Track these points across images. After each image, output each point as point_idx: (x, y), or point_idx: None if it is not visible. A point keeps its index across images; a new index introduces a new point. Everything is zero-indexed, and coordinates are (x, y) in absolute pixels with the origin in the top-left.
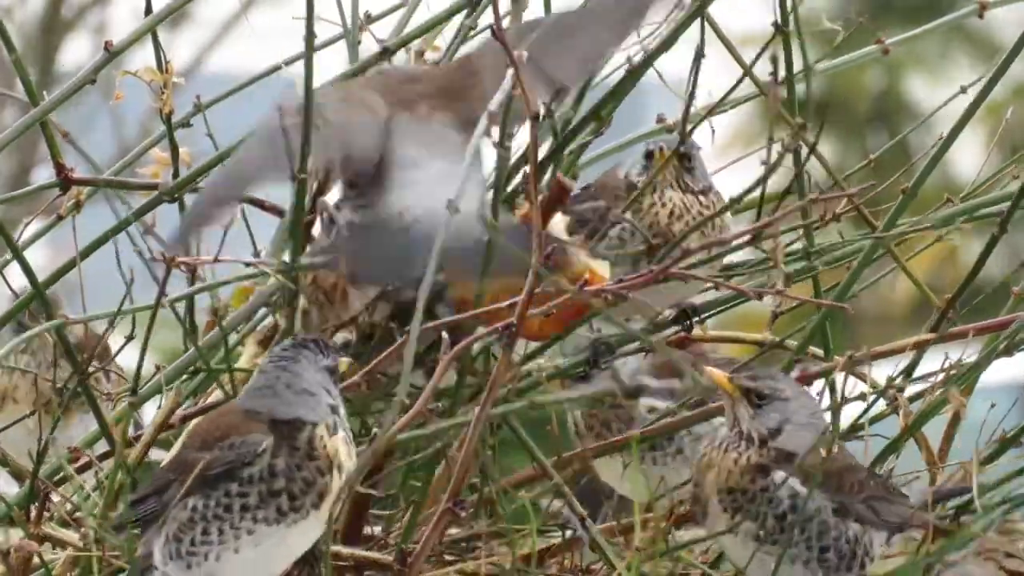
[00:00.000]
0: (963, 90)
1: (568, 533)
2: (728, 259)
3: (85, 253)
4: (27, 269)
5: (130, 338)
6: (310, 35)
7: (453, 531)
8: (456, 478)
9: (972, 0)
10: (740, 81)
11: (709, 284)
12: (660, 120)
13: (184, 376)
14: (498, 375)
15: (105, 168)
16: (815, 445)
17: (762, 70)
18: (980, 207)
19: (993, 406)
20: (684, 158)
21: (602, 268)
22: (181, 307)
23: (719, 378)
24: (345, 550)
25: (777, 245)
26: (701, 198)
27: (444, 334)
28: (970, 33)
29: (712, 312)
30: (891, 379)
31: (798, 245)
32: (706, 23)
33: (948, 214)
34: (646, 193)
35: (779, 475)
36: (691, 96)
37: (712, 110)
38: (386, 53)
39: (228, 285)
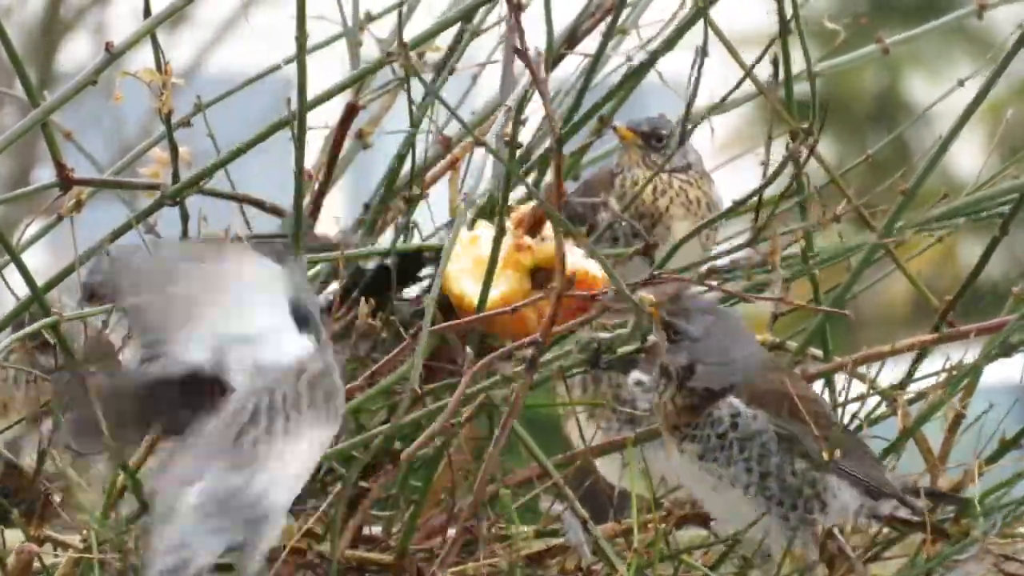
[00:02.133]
0: (960, 83)
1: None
2: (725, 254)
3: (84, 257)
4: (24, 272)
5: (128, 338)
6: (301, 34)
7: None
8: (474, 497)
9: (972, 0)
10: (739, 83)
11: (707, 286)
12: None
13: None
14: (519, 396)
15: (106, 169)
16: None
17: (762, 70)
18: (980, 202)
19: (991, 407)
20: (650, 137)
21: (597, 269)
22: None
23: (648, 302)
24: (346, 551)
25: (775, 248)
26: (680, 175)
27: (468, 349)
28: (970, 33)
29: None
30: (892, 386)
31: (796, 248)
32: (708, 23)
33: (947, 210)
34: (619, 176)
35: (721, 405)
36: (693, 96)
37: (712, 111)
38: (389, 58)
39: None
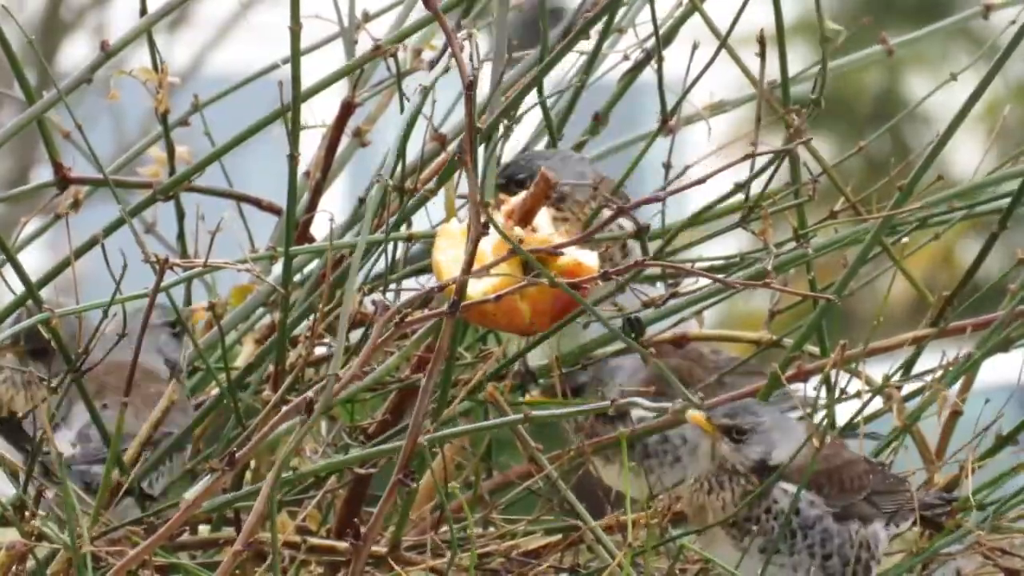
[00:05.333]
0: (953, 77)
1: None
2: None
3: (79, 252)
4: (19, 269)
5: (122, 336)
6: (295, 23)
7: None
8: (405, 447)
9: (976, 0)
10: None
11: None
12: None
13: None
14: (442, 345)
15: (105, 167)
16: (800, 449)
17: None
18: (976, 190)
19: (987, 402)
20: (511, 184)
21: (589, 259)
22: (178, 298)
23: (698, 420)
24: (341, 544)
25: (767, 226)
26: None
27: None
28: (972, 34)
29: (700, 307)
30: (887, 376)
31: (790, 246)
32: (705, 22)
33: (943, 196)
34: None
35: (778, 492)
36: (686, 92)
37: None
38: (381, 51)
39: (219, 270)
